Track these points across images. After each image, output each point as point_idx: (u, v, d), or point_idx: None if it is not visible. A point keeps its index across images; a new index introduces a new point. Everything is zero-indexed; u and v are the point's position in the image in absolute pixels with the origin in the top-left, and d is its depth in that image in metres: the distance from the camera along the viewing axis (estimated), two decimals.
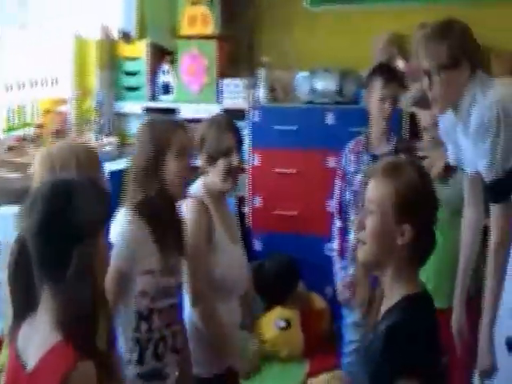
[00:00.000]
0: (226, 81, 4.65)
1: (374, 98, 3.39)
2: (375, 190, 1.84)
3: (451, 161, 2.74)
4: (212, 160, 2.69)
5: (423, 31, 2.59)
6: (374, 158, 3.41)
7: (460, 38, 2.47)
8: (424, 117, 3.24)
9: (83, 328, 1.60)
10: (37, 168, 2.18)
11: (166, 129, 2.38)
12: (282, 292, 4.33)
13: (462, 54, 2.44)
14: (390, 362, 1.71)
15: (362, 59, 4.45)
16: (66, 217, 1.61)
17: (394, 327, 1.74)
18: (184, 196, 2.47)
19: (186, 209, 2.57)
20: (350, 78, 4.34)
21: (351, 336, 3.52)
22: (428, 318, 1.82)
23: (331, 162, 4.29)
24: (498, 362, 2.47)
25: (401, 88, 3.57)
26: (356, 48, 4.53)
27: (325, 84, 4.34)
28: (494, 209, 2.48)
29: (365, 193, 1.87)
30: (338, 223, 3.57)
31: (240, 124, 3.77)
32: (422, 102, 3.43)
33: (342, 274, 3.52)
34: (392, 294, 1.84)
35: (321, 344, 4.25)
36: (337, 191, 3.56)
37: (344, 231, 3.54)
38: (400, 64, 4.42)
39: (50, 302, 1.63)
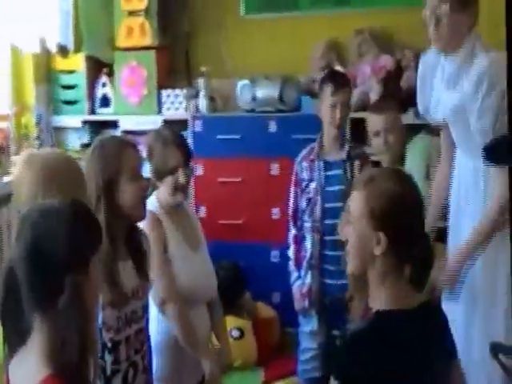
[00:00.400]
0: (166, 91, 4.62)
1: (325, 105, 3.41)
2: (353, 202, 1.87)
3: (420, 110, 2.87)
4: (159, 176, 2.68)
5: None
6: (328, 164, 3.46)
7: None
8: (376, 122, 3.30)
9: (74, 362, 1.53)
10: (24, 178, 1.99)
11: (114, 154, 2.29)
12: (229, 300, 4.32)
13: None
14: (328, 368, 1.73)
15: (302, 66, 4.50)
16: (57, 245, 1.55)
17: (352, 336, 1.75)
18: (144, 216, 2.39)
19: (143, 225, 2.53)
20: (290, 85, 4.36)
21: (308, 344, 3.52)
22: (391, 338, 1.77)
23: (275, 169, 4.33)
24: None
25: (351, 94, 3.60)
26: (295, 54, 4.55)
27: (266, 92, 4.35)
28: (490, 171, 2.53)
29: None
30: (293, 231, 3.57)
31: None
32: (376, 106, 3.51)
33: (299, 283, 3.51)
34: (372, 306, 1.84)
35: (273, 352, 4.27)
36: (292, 199, 3.57)
37: (299, 239, 3.54)
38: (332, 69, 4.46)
39: (40, 332, 1.56)
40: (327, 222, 3.42)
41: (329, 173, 3.46)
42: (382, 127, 3.29)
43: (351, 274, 1.89)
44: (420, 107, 2.91)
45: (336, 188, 3.44)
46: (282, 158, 4.27)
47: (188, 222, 2.86)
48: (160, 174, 2.68)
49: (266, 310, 4.40)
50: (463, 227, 2.68)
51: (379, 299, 1.83)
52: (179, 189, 2.70)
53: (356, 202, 1.86)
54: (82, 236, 1.58)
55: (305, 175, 3.49)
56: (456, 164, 2.78)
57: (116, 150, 2.31)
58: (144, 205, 2.35)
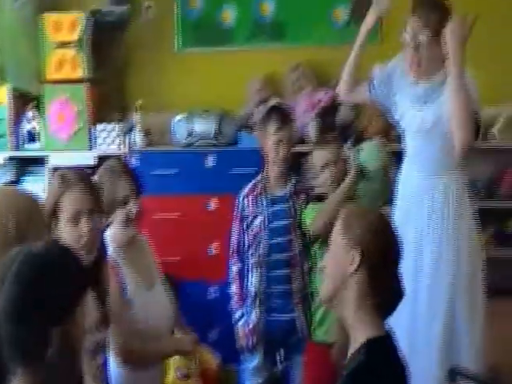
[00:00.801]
0: (99, 126, 4.49)
1: (270, 142, 3.40)
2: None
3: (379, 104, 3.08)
4: (111, 209, 2.59)
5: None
6: (273, 199, 3.44)
7: (446, 16, 2.72)
8: (322, 156, 3.32)
9: None
10: None
11: (53, 193, 2.21)
12: None
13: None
14: None
15: (239, 100, 4.48)
16: (46, 297, 1.42)
17: (354, 372, 1.70)
18: (93, 257, 2.28)
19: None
20: (227, 120, 4.33)
21: (252, 380, 3.47)
22: (390, 361, 1.79)
23: (213, 205, 4.27)
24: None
25: (294, 129, 3.61)
26: (232, 89, 4.54)
27: (203, 126, 4.30)
28: None
29: None
30: (235, 267, 3.51)
31: None
32: (320, 141, 3.53)
33: (244, 321, 3.44)
34: (356, 337, 1.81)
35: None
36: (235, 235, 3.51)
37: (242, 276, 3.48)
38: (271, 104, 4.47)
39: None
40: (273, 257, 3.41)
41: (274, 208, 3.45)
42: (327, 161, 3.31)
43: (324, 298, 1.89)
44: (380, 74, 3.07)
45: (282, 223, 3.43)
46: (219, 193, 4.23)
47: (143, 257, 2.78)
48: (112, 207, 2.59)
49: (203, 349, 4.29)
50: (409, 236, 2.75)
51: (363, 328, 1.81)
52: (132, 220, 2.62)
53: (335, 228, 1.90)
54: (70, 284, 1.47)
55: (250, 211, 3.46)
56: (405, 177, 2.90)
57: (54, 191, 2.23)
58: (86, 250, 2.21)
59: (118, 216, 2.60)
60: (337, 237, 1.88)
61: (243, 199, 3.50)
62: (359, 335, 1.81)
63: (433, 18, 2.65)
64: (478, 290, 2.78)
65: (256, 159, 4.25)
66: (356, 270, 1.81)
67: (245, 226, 3.47)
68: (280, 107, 3.92)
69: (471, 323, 2.73)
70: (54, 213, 2.20)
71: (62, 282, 1.45)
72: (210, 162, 4.29)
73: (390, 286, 1.85)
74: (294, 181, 3.49)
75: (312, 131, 4.26)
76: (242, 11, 4.63)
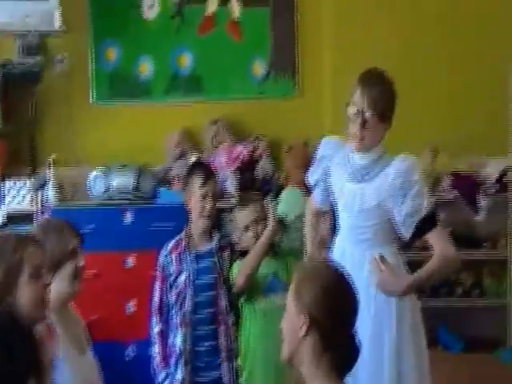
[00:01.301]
0: (9, 182, 4.29)
1: (195, 197, 3.33)
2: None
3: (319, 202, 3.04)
4: (57, 265, 2.45)
5: (361, 76, 2.78)
6: (198, 256, 3.35)
7: (394, 96, 2.75)
8: (245, 216, 3.31)
9: None
10: None
11: (14, 249, 2.07)
12: None
13: (391, 111, 2.74)
14: None
15: (157, 155, 4.41)
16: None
17: None
18: (44, 317, 2.18)
19: None
20: (146, 175, 4.23)
21: None
22: None
23: (130, 262, 4.15)
24: None
25: (218, 184, 3.56)
26: (150, 143, 4.47)
27: (121, 181, 4.19)
28: (432, 237, 2.70)
29: None
30: (157, 327, 3.36)
31: (27, 228, 3.54)
32: (242, 200, 3.49)
33: (168, 381, 3.30)
34: None
35: None
36: (157, 294, 3.37)
37: (165, 335, 3.35)
38: (192, 159, 4.41)
39: None
40: (198, 314, 3.30)
41: (199, 264, 3.37)
42: (251, 221, 3.29)
43: (283, 359, 1.93)
44: (311, 178, 3.04)
45: (207, 279, 3.33)
46: (138, 250, 4.11)
47: (76, 319, 2.65)
48: (58, 262, 2.45)
49: None
50: None
51: None
52: (79, 274, 2.51)
53: (290, 288, 1.92)
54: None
55: (173, 268, 3.36)
56: (341, 252, 2.85)
57: (14, 246, 2.09)
58: (44, 305, 2.14)
59: (68, 270, 2.47)
60: (289, 300, 1.91)
61: (166, 257, 3.40)
62: None
63: (379, 98, 2.68)
64: (421, 340, 2.78)
65: (175, 215, 4.19)
66: (306, 334, 1.84)
67: (168, 285, 3.36)
68: (202, 162, 3.89)
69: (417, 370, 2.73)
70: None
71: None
72: (129, 217, 4.17)
73: (344, 345, 1.86)
74: (218, 236, 3.44)
75: (231, 186, 4.22)
76: (159, 64, 4.58)
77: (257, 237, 3.25)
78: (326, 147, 2.97)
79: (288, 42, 4.57)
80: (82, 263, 2.52)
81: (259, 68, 4.60)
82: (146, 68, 4.56)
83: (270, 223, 3.19)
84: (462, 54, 4.55)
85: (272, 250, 3.30)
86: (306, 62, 4.58)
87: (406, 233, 2.71)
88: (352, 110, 2.70)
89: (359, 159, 2.77)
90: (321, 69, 4.57)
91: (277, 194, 3.87)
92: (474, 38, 4.54)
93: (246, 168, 4.36)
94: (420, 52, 4.52)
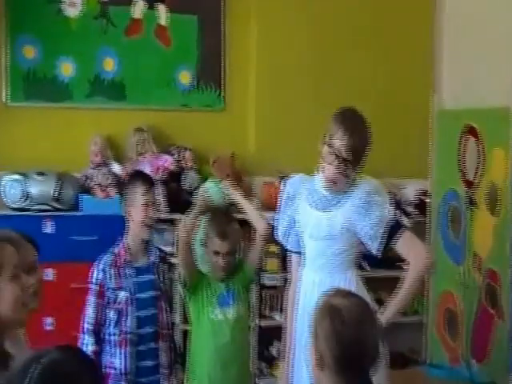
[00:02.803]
0: None
1: (137, 205, 3.17)
2: None
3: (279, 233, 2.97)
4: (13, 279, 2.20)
5: (342, 119, 2.68)
6: (138, 270, 3.18)
7: (369, 137, 2.72)
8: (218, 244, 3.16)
9: None
10: None
11: None
12: None
13: (365, 153, 2.71)
14: None
15: (78, 161, 4.15)
16: None
17: None
18: (25, 320, 2.03)
19: None
20: (67, 182, 3.98)
21: None
22: None
23: (50, 275, 3.87)
24: None
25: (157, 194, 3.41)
26: (71, 149, 4.22)
27: (40, 188, 3.91)
28: (400, 243, 2.69)
29: None
30: (92, 347, 3.12)
31: None
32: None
33: None
34: None
35: None
36: (91, 311, 3.15)
37: (99, 354, 3.14)
38: (116, 167, 4.21)
39: None
40: (141, 331, 3.14)
41: (140, 279, 3.19)
42: (225, 251, 3.14)
43: None
44: (280, 230, 2.97)
45: (149, 294, 3.18)
46: (58, 261, 3.84)
47: (22, 343, 2.38)
48: (15, 276, 2.20)
49: None
50: None
51: None
52: (38, 291, 2.26)
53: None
54: None
55: (112, 284, 3.17)
56: (305, 286, 2.83)
57: None
58: (25, 307, 2.00)
59: (16, 289, 2.19)
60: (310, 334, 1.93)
61: (104, 271, 3.18)
62: None
63: (359, 146, 2.65)
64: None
65: (99, 225, 3.98)
66: (322, 369, 1.86)
67: (106, 302, 3.16)
68: (141, 171, 3.72)
69: None
70: None
71: None
72: (49, 227, 3.89)
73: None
74: (157, 250, 3.29)
75: (158, 196, 4.05)
76: (82, 66, 4.31)
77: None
78: (290, 187, 2.93)
79: (215, 54, 4.47)
80: (40, 277, 2.30)
81: (186, 77, 4.46)
82: (67, 69, 4.27)
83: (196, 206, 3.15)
84: (385, 76, 4.66)
85: (227, 274, 3.19)
86: (232, 75, 4.50)
87: (376, 247, 2.70)
88: (329, 152, 2.66)
89: (325, 193, 2.77)
90: (247, 82, 4.52)
91: None
92: (399, 62, 4.68)
93: (172, 179, 4.21)
94: (341, 69, 4.58)
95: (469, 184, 4.01)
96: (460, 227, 4.09)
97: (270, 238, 3.22)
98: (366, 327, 1.86)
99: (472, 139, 3.97)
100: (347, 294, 1.97)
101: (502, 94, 3.68)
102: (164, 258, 3.36)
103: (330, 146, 2.66)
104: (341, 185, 2.71)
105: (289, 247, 3.00)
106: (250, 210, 3.23)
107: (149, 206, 3.18)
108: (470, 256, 3.97)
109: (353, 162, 2.65)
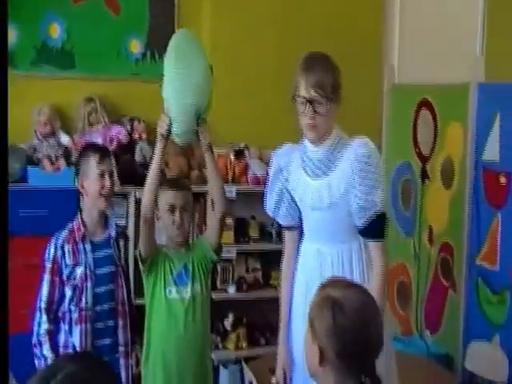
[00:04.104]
0: None
1: (91, 176, 3.07)
2: None
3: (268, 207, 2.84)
4: None
5: (301, 64, 2.59)
6: (95, 245, 3.11)
7: (338, 74, 2.61)
8: (172, 197, 3.09)
9: None
10: None
11: None
12: None
13: (339, 90, 2.59)
14: None
15: (24, 131, 3.98)
16: None
17: None
18: None
19: None
20: (13, 154, 3.80)
21: None
22: None
23: None
24: None
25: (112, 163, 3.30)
26: (15, 118, 3.98)
27: None
28: (372, 245, 2.64)
29: None
30: (45, 326, 3.04)
31: None
32: (174, 182, 3.26)
33: None
34: None
35: None
36: (46, 289, 3.05)
37: (55, 334, 3.05)
38: (63, 138, 4.06)
39: None
40: (98, 308, 3.07)
41: (97, 254, 3.11)
42: (179, 204, 3.09)
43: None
44: (270, 205, 2.85)
45: (106, 270, 3.11)
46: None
47: None
48: None
49: None
50: None
51: None
52: None
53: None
54: None
55: (68, 260, 3.07)
56: (305, 257, 2.75)
57: None
58: None
59: None
60: (307, 326, 1.87)
61: (59, 248, 3.07)
62: None
63: (325, 80, 2.53)
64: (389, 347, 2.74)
65: (48, 199, 3.84)
66: (321, 362, 1.80)
67: (64, 279, 3.06)
68: (95, 143, 3.61)
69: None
70: None
71: None
72: None
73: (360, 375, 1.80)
74: (114, 224, 3.20)
75: None
76: (27, 32, 4.09)
77: (181, 223, 3.09)
78: (280, 158, 2.80)
79: (166, 21, 4.33)
80: None
81: (136, 46, 4.31)
82: (10, 34, 4.04)
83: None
84: (334, 47, 4.59)
85: (185, 236, 3.15)
86: None
87: (358, 223, 2.62)
88: (300, 103, 2.56)
89: (317, 154, 2.65)
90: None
91: None
92: (349, 33, 4.65)
93: (124, 151, 4.09)
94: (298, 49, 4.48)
95: (423, 157, 4.04)
96: (411, 199, 4.14)
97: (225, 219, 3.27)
98: (369, 319, 1.80)
99: (427, 113, 3.99)
100: (347, 285, 1.89)
101: (462, 70, 3.69)
102: (123, 232, 3.32)
103: (298, 96, 2.56)
104: (324, 129, 2.59)
105: (280, 222, 2.89)
106: (218, 188, 3.16)
107: (104, 176, 3.09)
108: (424, 229, 4.02)
109: (322, 97, 2.52)
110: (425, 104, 4.01)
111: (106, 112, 4.14)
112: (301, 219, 2.80)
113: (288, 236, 2.89)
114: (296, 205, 2.78)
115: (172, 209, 3.09)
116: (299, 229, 2.83)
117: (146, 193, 3.03)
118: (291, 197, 2.78)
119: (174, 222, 3.09)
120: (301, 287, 2.74)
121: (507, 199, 3.42)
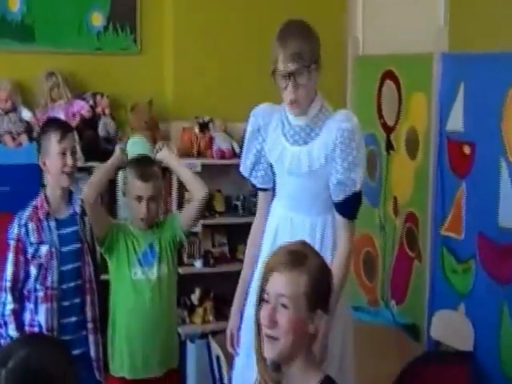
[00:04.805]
0: None
1: (53, 154, 3.04)
2: (285, 285, 1.81)
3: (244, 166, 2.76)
4: None
5: (277, 35, 2.49)
6: (59, 222, 3.08)
7: (317, 41, 2.53)
8: (141, 187, 3.10)
9: None
10: None
11: None
12: None
13: (318, 57, 2.51)
14: None
15: None
16: None
17: None
18: None
19: None
20: None
21: None
22: None
23: None
24: None
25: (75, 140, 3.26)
26: None
27: None
28: (343, 222, 2.58)
29: (266, 286, 1.84)
30: (11, 305, 3.02)
31: None
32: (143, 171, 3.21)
33: None
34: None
35: None
36: (10, 268, 3.03)
37: (20, 313, 3.03)
38: (25, 114, 3.98)
39: None
40: (65, 286, 3.05)
41: (62, 231, 3.07)
42: (146, 196, 3.08)
43: (278, 357, 1.83)
44: (245, 166, 2.76)
45: (72, 247, 3.09)
46: None
47: None
48: None
49: None
50: None
51: (314, 373, 1.82)
52: None
53: (291, 284, 1.81)
54: None
55: (33, 238, 3.03)
56: (277, 222, 2.68)
57: None
58: None
59: None
60: (300, 301, 1.84)
61: (23, 226, 3.04)
62: (311, 380, 1.81)
63: (303, 49, 2.43)
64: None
65: (10, 175, 3.78)
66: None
67: (29, 257, 3.02)
68: (56, 118, 3.55)
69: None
70: None
71: None
72: None
73: None
74: (79, 200, 3.16)
75: None
76: None
77: (148, 212, 3.11)
78: (259, 117, 2.67)
79: None
80: None
81: (97, 19, 4.22)
82: None
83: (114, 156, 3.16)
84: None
85: (150, 223, 3.15)
86: (147, 17, 4.29)
87: (334, 197, 2.55)
88: (279, 74, 2.46)
89: (298, 121, 2.56)
90: (163, 25, 4.34)
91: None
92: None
93: (86, 126, 4.03)
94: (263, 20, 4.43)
95: (387, 128, 4.05)
96: (376, 170, 4.15)
97: (206, 205, 3.33)
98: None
99: (391, 84, 4.00)
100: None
101: (426, 41, 3.70)
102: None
103: (277, 70, 2.47)
104: (306, 100, 2.50)
105: (255, 183, 2.78)
106: (188, 176, 3.17)
107: (66, 153, 3.06)
108: (389, 199, 4.04)
109: (303, 67, 2.44)
110: (389, 75, 4.02)
111: (69, 87, 4.07)
112: (275, 182, 2.72)
113: (262, 197, 2.82)
114: (272, 167, 2.70)
115: (139, 199, 3.09)
116: (273, 191, 2.74)
117: (89, 186, 3.08)
118: (266, 162, 2.70)
119: (140, 211, 3.09)
120: (267, 251, 2.67)
121: (471, 169, 3.45)
